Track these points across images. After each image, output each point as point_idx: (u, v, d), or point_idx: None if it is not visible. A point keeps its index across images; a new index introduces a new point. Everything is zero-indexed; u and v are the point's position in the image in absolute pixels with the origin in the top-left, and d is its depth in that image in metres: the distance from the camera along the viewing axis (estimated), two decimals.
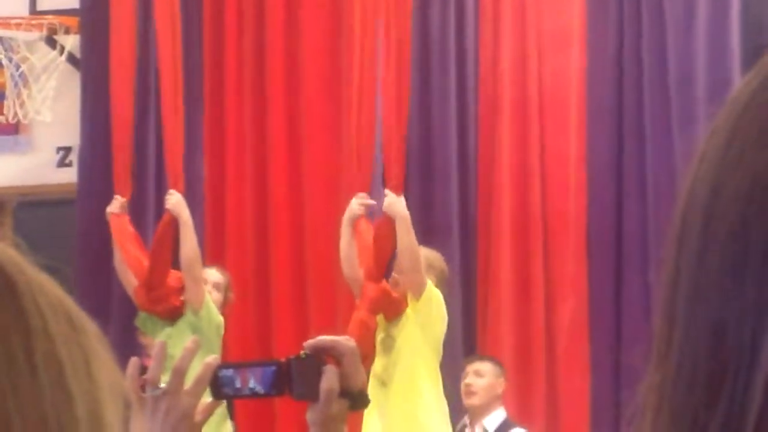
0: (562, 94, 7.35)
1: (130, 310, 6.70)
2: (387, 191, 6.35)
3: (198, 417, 1.99)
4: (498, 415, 6.41)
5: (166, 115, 6.87)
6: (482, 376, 6.40)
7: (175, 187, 6.62)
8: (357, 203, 6.37)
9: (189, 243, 6.36)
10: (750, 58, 6.86)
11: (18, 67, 7.81)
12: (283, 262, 7.48)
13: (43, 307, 0.80)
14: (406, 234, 6.09)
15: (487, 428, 6.40)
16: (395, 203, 6.26)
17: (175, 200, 6.51)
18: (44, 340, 0.79)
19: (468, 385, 6.37)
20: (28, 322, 0.78)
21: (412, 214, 6.39)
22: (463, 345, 7.12)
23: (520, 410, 6.92)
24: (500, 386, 6.44)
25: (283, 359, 1.95)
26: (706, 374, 0.68)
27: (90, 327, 0.82)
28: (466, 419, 6.44)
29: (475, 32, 7.50)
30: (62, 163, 8.00)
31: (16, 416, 0.76)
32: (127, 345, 6.19)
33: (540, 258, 7.24)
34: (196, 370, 1.96)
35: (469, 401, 6.38)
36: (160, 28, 6.85)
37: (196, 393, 1.97)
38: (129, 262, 6.56)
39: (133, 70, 6.95)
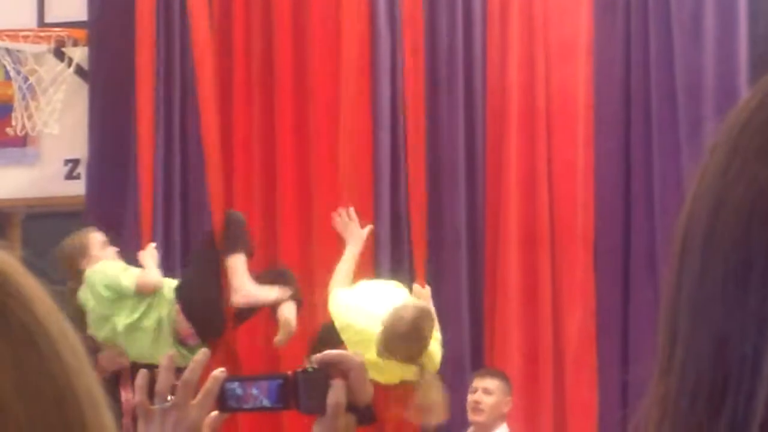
0: (569, 105, 7.33)
1: None
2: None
3: (205, 430, 1.99)
4: None
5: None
6: (491, 394, 6.38)
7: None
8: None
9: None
10: (758, 69, 6.86)
11: (26, 79, 7.82)
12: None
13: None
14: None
15: None
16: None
17: None
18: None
19: (476, 402, 6.36)
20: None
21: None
22: (470, 356, 7.12)
23: (528, 422, 6.90)
24: (506, 405, 6.43)
25: (289, 372, 1.95)
26: (709, 387, 0.68)
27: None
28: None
29: (482, 43, 7.50)
30: (70, 176, 8.00)
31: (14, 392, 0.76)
32: None
33: (548, 269, 7.22)
34: None
35: (475, 418, 6.37)
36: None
37: (204, 406, 1.97)
38: None
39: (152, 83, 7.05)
